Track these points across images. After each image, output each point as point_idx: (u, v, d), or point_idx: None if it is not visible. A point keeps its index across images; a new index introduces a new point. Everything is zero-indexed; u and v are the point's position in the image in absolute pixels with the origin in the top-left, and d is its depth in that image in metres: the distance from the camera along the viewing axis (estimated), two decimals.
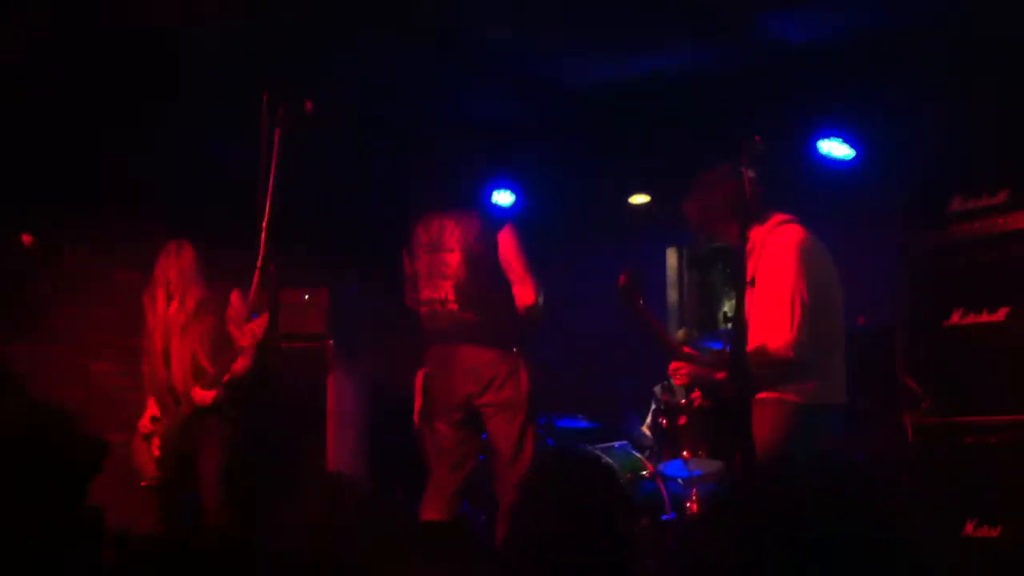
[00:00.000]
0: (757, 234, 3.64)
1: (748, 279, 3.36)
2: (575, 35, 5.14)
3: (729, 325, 3.30)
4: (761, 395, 3.51)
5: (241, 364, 4.37)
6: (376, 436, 6.04)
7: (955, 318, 4.19)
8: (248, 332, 4.07)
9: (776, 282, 3.57)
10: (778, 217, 3.74)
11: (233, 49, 4.82)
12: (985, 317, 4.11)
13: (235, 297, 4.50)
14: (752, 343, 3.35)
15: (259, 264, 3.60)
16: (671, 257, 6.91)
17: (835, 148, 5.45)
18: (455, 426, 4.29)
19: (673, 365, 3.84)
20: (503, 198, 6.48)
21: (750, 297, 3.34)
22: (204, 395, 4.42)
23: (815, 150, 5.46)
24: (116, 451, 4.07)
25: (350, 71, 5.26)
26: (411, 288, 4.45)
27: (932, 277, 4.32)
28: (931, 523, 4.03)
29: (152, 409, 4.54)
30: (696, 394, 4.15)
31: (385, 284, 6.52)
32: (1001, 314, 4.08)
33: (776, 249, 3.63)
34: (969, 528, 3.96)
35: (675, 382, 4.29)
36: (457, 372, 4.25)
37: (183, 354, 4.51)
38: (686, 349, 4.02)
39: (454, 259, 4.31)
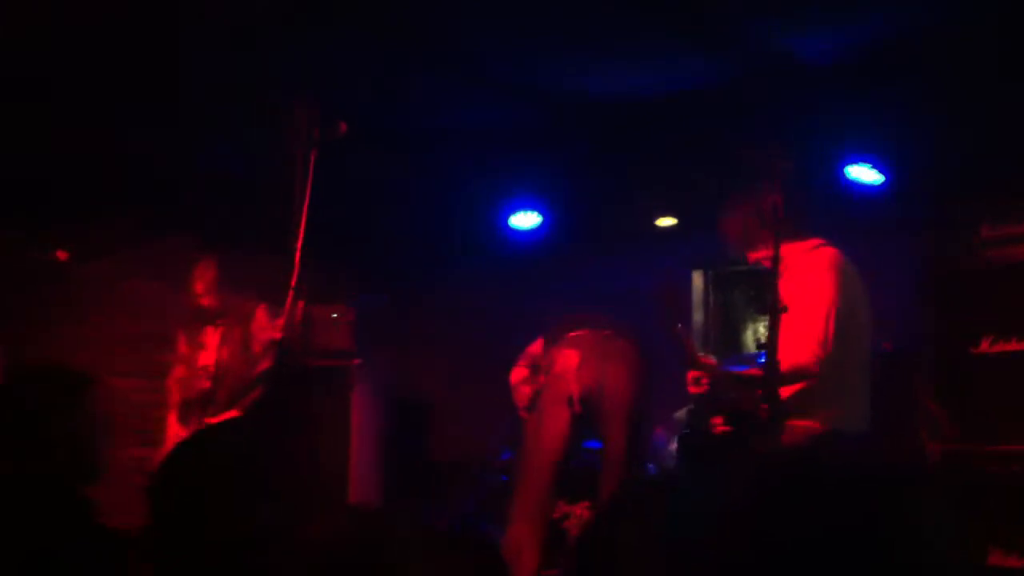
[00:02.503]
0: (791, 255, 3.64)
1: (780, 304, 3.36)
2: (602, 51, 5.14)
3: (759, 348, 3.31)
4: (789, 421, 3.50)
5: (260, 385, 4.39)
6: (397, 450, 6.06)
7: (984, 346, 4.17)
8: (269, 344, 4.09)
9: (810, 301, 3.58)
10: (814, 240, 3.76)
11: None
12: (1014, 345, 4.08)
13: (261, 312, 4.53)
14: (783, 364, 3.35)
15: (293, 283, 3.63)
16: (697, 279, 6.90)
17: (864, 173, 5.43)
18: None
19: (692, 374, 3.85)
20: (529, 219, 6.50)
21: (783, 323, 3.34)
22: (229, 415, 4.44)
23: (843, 173, 5.44)
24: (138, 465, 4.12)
25: (375, 83, 5.27)
26: None
27: (960, 303, 4.30)
28: (954, 552, 3.99)
29: (175, 427, 4.55)
30: (718, 419, 4.16)
31: (408, 297, 6.58)
32: None
33: (812, 270, 3.66)
34: (994, 558, 3.92)
35: (691, 390, 4.32)
36: None
37: (212, 369, 4.54)
38: (708, 361, 4.02)
39: None
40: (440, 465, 6.18)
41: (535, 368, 4.34)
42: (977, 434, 4.10)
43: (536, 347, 4.56)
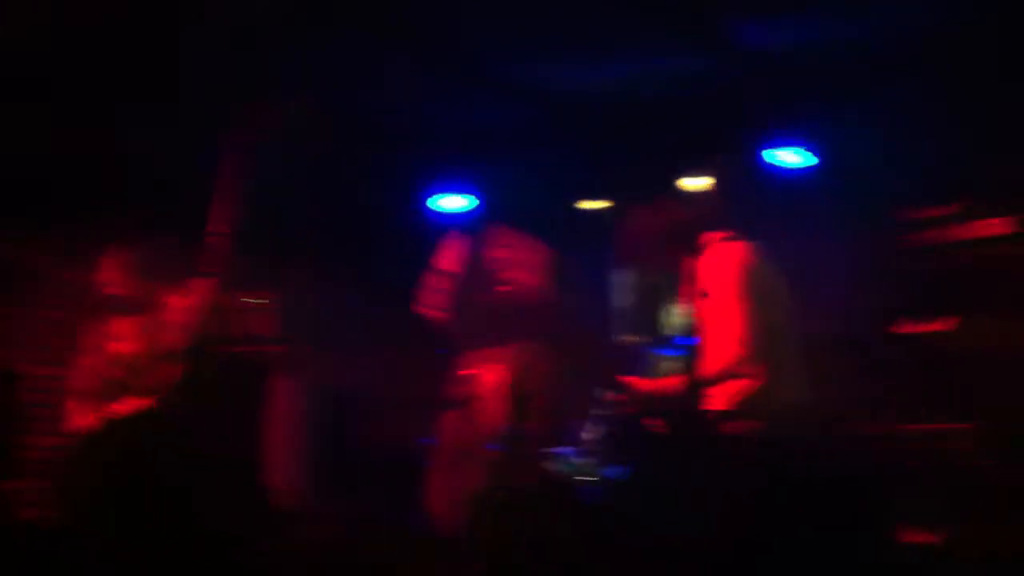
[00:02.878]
0: (704, 253, 3.65)
1: (699, 293, 3.37)
2: (531, 41, 5.11)
3: (679, 333, 3.33)
4: (722, 410, 3.52)
5: (176, 371, 4.28)
6: (323, 441, 5.97)
7: (909, 326, 4.22)
8: (184, 331, 3.98)
9: (726, 300, 3.60)
10: (718, 234, 3.77)
11: (197, 46, 4.73)
12: (938, 325, 4.14)
13: (177, 300, 4.41)
14: (707, 359, 3.36)
15: (207, 269, 3.54)
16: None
17: (791, 157, 5.47)
18: None
19: (609, 395, 3.88)
20: (459, 202, 6.43)
21: (703, 309, 3.35)
22: (135, 403, 4.32)
23: (773, 159, 5.48)
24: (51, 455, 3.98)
25: (313, 71, 5.18)
26: None
27: (885, 285, 4.35)
28: (882, 528, 4.05)
29: (79, 417, 4.38)
30: (656, 421, 4.15)
31: (336, 287, 6.49)
32: (953, 322, 4.11)
33: (721, 267, 3.68)
34: (916, 534, 3.97)
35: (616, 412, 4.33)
36: None
37: (125, 358, 4.41)
38: (630, 379, 4.04)
39: None
40: (371, 454, 6.12)
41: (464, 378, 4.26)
42: (900, 414, 4.16)
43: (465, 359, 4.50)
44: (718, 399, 3.47)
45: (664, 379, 3.87)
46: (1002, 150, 4.48)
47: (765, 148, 5.47)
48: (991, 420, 3.86)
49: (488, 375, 3.97)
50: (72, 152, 5.22)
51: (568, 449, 5.40)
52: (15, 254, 5.43)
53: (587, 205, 6.32)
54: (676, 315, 3.85)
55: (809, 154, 5.46)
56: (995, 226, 4.05)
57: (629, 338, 5.83)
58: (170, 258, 4.31)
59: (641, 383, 3.93)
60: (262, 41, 4.63)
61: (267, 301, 5.60)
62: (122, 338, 4.43)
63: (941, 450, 3.98)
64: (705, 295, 3.43)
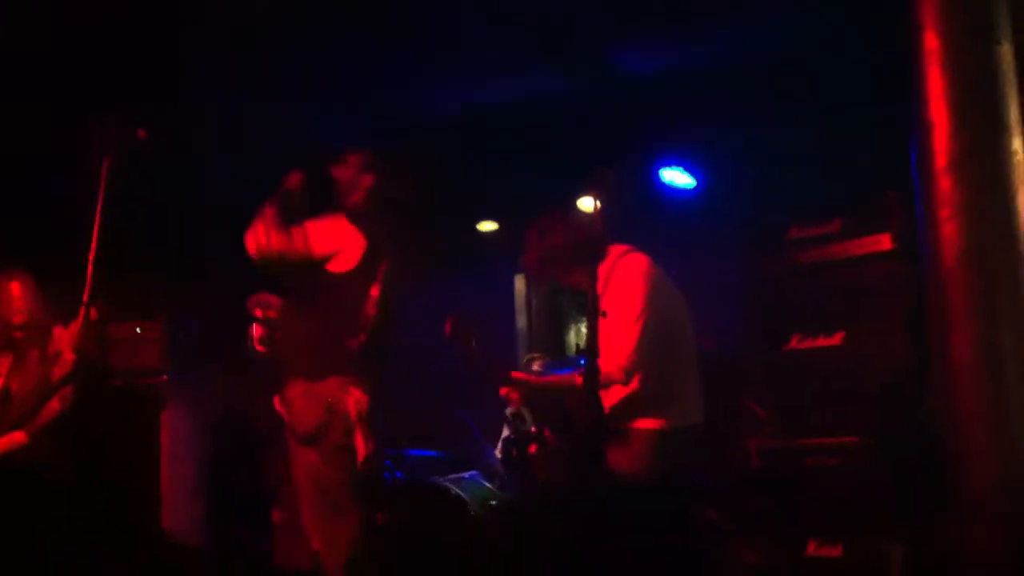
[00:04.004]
0: (601, 267, 3.66)
1: (600, 311, 3.37)
2: (422, 63, 5.10)
3: (579, 352, 3.33)
4: (618, 425, 3.53)
5: (55, 405, 4.12)
6: (215, 473, 5.80)
7: (794, 342, 4.30)
8: (63, 363, 3.83)
9: (623, 311, 3.62)
10: (620, 248, 3.80)
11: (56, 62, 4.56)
12: (822, 341, 4.23)
13: (57, 332, 4.23)
14: (602, 366, 3.37)
15: (85, 298, 3.40)
16: (519, 283, 6.93)
17: (677, 177, 5.57)
18: None
19: (503, 391, 3.86)
20: None
21: (603, 328, 3.35)
22: (14, 438, 4.13)
23: (659, 179, 5.56)
24: None
25: (189, 93, 5.06)
26: None
27: (772, 302, 4.43)
28: (775, 544, 4.11)
29: None
30: (544, 428, 4.15)
31: (222, 314, 6.32)
32: (837, 338, 4.20)
33: (622, 279, 3.69)
34: (812, 548, 4.04)
35: (509, 407, 4.29)
36: None
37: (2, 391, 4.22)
38: (517, 375, 4.02)
39: None
40: (267, 490, 5.96)
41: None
42: (792, 429, 4.23)
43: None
44: (606, 403, 3.48)
45: (556, 377, 3.89)
46: (877, 169, 4.63)
47: (654, 167, 5.56)
48: (878, 433, 3.96)
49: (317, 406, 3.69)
50: None
51: (473, 473, 5.37)
52: None
53: (483, 226, 6.33)
54: (580, 334, 3.86)
55: (691, 175, 5.57)
56: (874, 244, 4.17)
57: (534, 358, 5.86)
58: (55, 286, 4.14)
59: (531, 378, 3.92)
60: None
61: (153, 330, 5.44)
62: (1, 372, 4.24)
63: (832, 465, 4.06)
64: (605, 314, 3.44)
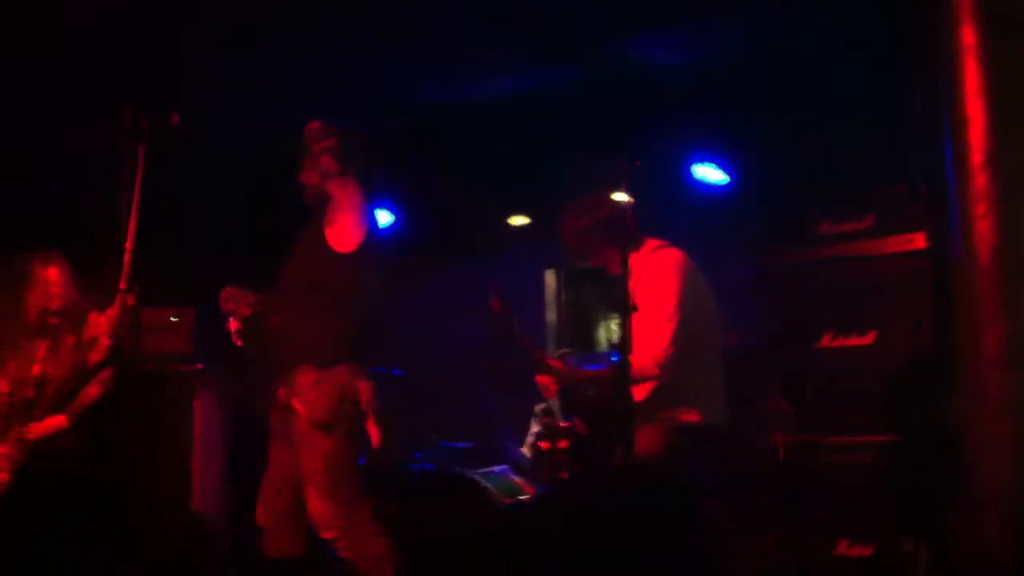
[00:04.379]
0: (634, 260, 3.67)
1: (632, 305, 3.37)
2: (448, 54, 5.13)
3: (612, 347, 3.33)
4: (646, 417, 3.53)
5: (94, 390, 4.17)
6: (242, 461, 5.85)
7: (825, 340, 4.28)
8: (99, 349, 3.88)
9: (656, 304, 3.62)
10: (654, 242, 3.81)
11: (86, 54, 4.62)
12: (854, 340, 4.20)
13: (93, 318, 4.29)
14: (633, 361, 3.37)
15: (122, 285, 3.44)
16: (549, 278, 6.92)
17: (709, 173, 5.54)
18: None
19: (540, 379, 3.88)
20: (379, 217, 6.39)
21: (634, 322, 3.36)
22: (56, 421, 4.20)
23: (689, 174, 5.54)
24: None
25: (217, 78, 5.12)
26: None
27: (802, 299, 4.40)
28: (804, 543, 4.09)
29: None
30: (576, 420, 4.16)
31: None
32: (870, 337, 4.17)
33: (656, 273, 3.70)
34: (842, 547, 4.02)
35: (545, 395, 4.29)
36: None
37: (37, 378, 4.28)
38: (555, 363, 4.03)
39: None
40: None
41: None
42: (820, 426, 4.21)
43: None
44: (636, 396, 3.48)
45: (590, 370, 3.90)
46: (909, 165, 4.59)
47: (683, 163, 5.54)
48: (906, 432, 3.93)
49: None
50: None
51: (504, 467, 5.39)
52: None
53: (511, 220, 6.33)
54: (610, 330, 3.87)
55: (723, 170, 5.54)
56: (907, 242, 4.14)
57: (565, 353, 5.86)
58: (90, 272, 4.20)
59: (568, 368, 3.93)
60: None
61: (186, 316, 5.49)
62: (34, 357, 4.30)
63: (864, 463, 4.04)
64: (635, 308, 3.45)
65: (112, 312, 3.74)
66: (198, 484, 5.36)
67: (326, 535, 3.48)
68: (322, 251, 3.56)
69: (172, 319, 5.39)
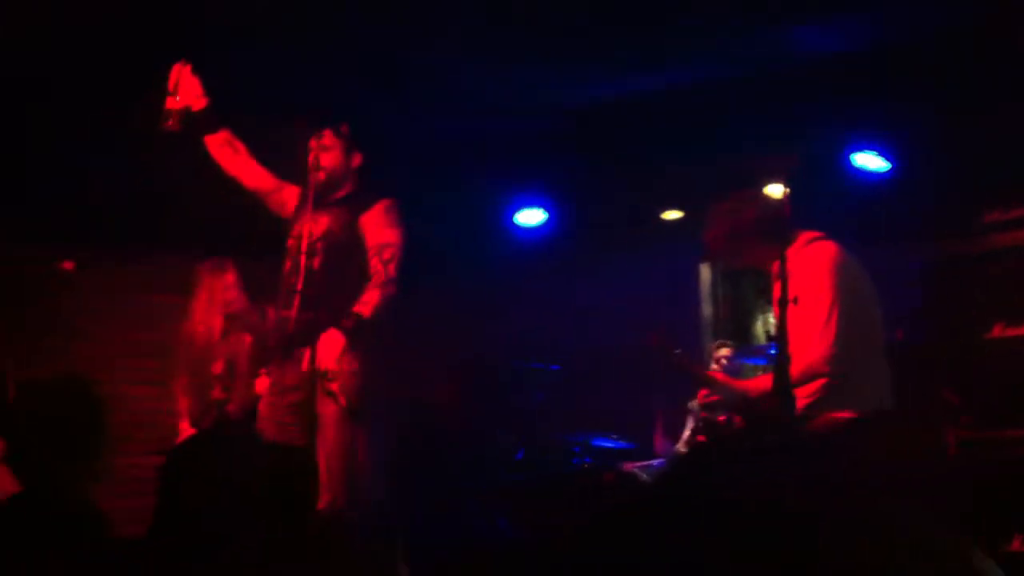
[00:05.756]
0: (789, 253, 3.62)
1: (790, 298, 3.33)
2: (599, 51, 5.15)
3: (769, 340, 3.30)
4: (811, 414, 3.49)
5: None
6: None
7: (996, 331, 4.15)
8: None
9: (813, 299, 3.56)
10: (808, 234, 3.73)
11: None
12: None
13: (270, 315, 4.50)
14: (793, 363, 3.33)
15: (299, 288, 3.65)
16: (704, 272, 6.88)
17: (870, 161, 5.41)
18: None
19: (701, 394, 3.86)
20: (533, 216, 6.50)
21: (791, 316, 3.32)
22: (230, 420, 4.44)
23: (849, 163, 5.42)
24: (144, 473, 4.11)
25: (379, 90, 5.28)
26: None
27: (970, 290, 4.27)
28: (975, 538, 3.98)
29: (187, 434, 4.52)
30: (736, 418, 4.14)
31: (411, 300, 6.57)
32: None
33: (811, 266, 3.63)
34: (1017, 543, 3.90)
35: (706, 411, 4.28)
36: None
37: (223, 376, 4.52)
38: (716, 375, 4.01)
39: None
40: (452, 465, 6.17)
41: None
42: (993, 420, 4.08)
43: None
44: (801, 399, 3.44)
45: (752, 380, 3.86)
46: None
47: (844, 151, 5.43)
48: None
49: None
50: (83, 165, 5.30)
51: (661, 460, 5.41)
52: (108, 280, 5.59)
53: (665, 214, 6.32)
54: (767, 323, 3.83)
55: (885, 159, 5.40)
56: None
57: (722, 346, 5.84)
58: (260, 276, 4.43)
59: (728, 380, 3.91)
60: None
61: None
62: (217, 356, 4.54)
63: None
64: (795, 300, 3.40)
65: (288, 313, 3.93)
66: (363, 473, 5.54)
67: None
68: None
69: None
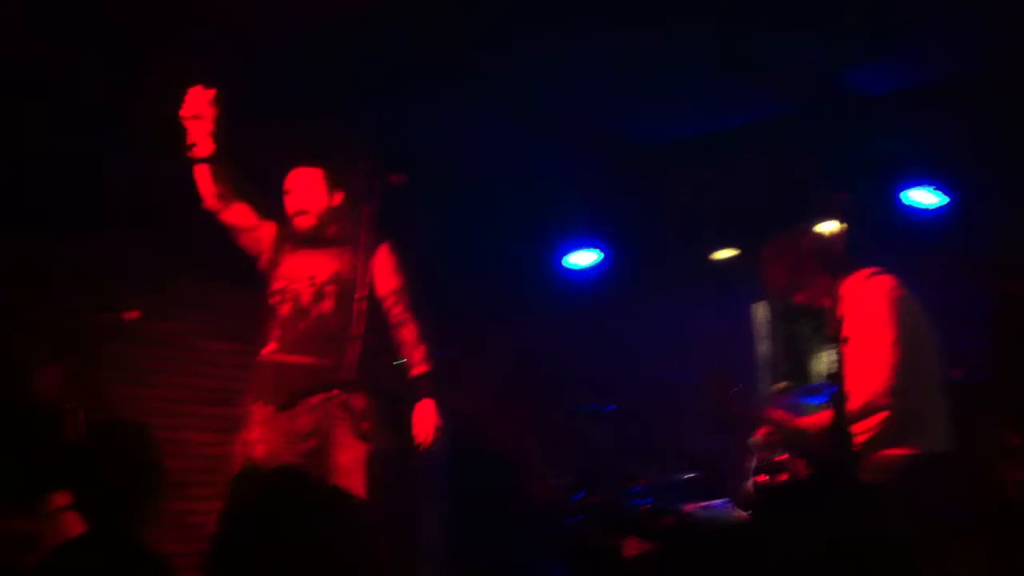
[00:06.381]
0: (846, 289, 3.61)
1: (842, 335, 3.32)
2: (653, 93, 5.20)
3: (828, 379, 3.28)
4: (869, 452, 3.46)
5: None
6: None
7: None
8: None
9: (872, 333, 3.54)
10: (866, 270, 3.72)
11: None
12: None
13: None
14: (850, 399, 3.30)
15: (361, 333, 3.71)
16: (760, 311, 6.84)
17: (923, 197, 5.37)
18: None
19: (762, 432, 3.84)
20: (588, 256, 6.53)
21: (849, 352, 3.30)
22: None
23: (902, 199, 5.39)
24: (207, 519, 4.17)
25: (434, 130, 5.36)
26: None
27: None
28: None
29: None
30: (799, 462, 4.09)
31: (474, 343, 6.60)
32: None
33: (870, 300, 3.61)
34: None
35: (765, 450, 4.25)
36: None
37: None
38: (775, 414, 3.98)
39: None
40: (512, 505, 6.17)
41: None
42: None
43: None
44: (859, 435, 3.41)
45: (811, 417, 3.83)
46: None
47: (898, 187, 5.40)
48: None
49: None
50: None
51: (724, 500, 5.36)
52: (169, 326, 5.70)
53: (719, 254, 6.32)
54: (823, 361, 3.80)
55: (941, 193, 5.35)
56: None
57: (777, 386, 5.78)
58: None
59: (789, 419, 3.88)
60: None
61: None
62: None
63: None
64: (853, 336, 3.37)
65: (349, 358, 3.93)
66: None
67: None
68: None
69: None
